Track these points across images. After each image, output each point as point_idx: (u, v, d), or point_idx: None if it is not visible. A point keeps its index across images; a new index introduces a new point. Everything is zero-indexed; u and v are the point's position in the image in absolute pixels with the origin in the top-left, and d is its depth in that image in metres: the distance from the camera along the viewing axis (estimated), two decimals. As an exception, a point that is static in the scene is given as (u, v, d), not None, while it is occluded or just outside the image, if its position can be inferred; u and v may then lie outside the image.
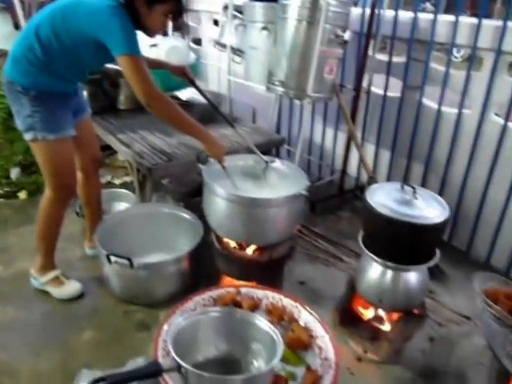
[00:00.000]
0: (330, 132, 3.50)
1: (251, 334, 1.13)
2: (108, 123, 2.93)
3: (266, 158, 2.10)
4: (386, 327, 1.88)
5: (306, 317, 1.31)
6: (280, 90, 2.70)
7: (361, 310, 1.99)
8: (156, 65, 2.32)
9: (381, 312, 1.92)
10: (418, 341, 2.02)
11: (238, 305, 1.33)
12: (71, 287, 2.17)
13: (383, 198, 1.66)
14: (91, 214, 2.39)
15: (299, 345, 1.22)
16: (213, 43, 3.99)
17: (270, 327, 1.09)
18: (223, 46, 3.61)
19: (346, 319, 1.96)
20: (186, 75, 2.24)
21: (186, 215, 2.34)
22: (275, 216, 1.86)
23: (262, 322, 1.11)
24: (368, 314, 1.96)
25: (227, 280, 2.02)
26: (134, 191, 2.77)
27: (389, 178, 3.16)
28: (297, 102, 3.49)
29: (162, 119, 1.84)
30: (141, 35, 1.85)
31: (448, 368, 1.90)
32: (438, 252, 1.73)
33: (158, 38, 3.46)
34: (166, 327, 1.16)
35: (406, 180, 2.91)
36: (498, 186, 2.56)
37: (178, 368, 0.96)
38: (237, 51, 3.47)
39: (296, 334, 1.23)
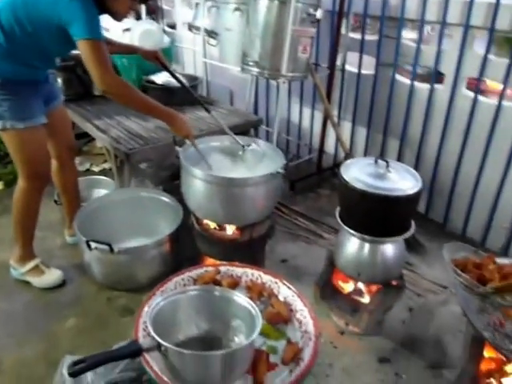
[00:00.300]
0: (306, 111, 3.49)
1: (231, 310, 1.13)
2: (84, 110, 2.86)
3: (242, 141, 2.08)
4: (366, 299, 1.91)
5: (285, 292, 1.31)
6: (255, 70, 2.67)
7: (341, 284, 2.01)
8: (128, 49, 2.26)
9: (360, 285, 1.94)
10: (398, 311, 2.05)
11: (217, 283, 1.32)
12: (52, 276, 2.13)
13: (357, 172, 1.66)
14: (69, 201, 2.35)
15: (279, 319, 1.22)
16: (187, 26, 3.90)
17: (249, 303, 1.09)
18: (197, 28, 3.54)
19: (327, 294, 1.98)
20: (159, 59, 2.19)
21: (166, 199, 2.31)
22: (253, 195, 1.84)
23: (240, 299, 1.11)
24: (348, 287, 1.99)
25: (209, 261, 2.02)
26: (113, 177, 2.72)
27: (365, 155, 3.18)
28: (273, 82, 3.46)
29: (122, 104, 1.81)
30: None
31: (427, 336, 1.95)
32: (413, 224, 1.75)
33: (131, 22, 3.38)
34: (146, 309, 1.15)
35: (382, 156, 2.93)
36: (470, 159, 2.59)
37: (158, 347, 0.95)
38: (211, 33, 3.40)
39: (276, 309, 1.23)
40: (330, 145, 3.41)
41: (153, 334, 0.95)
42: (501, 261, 1.43)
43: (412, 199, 1.58)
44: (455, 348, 1.90)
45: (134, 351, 0.94)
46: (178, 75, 2.25)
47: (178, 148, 1.96)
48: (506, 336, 1.35)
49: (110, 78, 1.67)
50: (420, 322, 1.97)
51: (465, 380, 1.39)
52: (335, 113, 3.19)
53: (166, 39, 3.49)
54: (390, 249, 1.76)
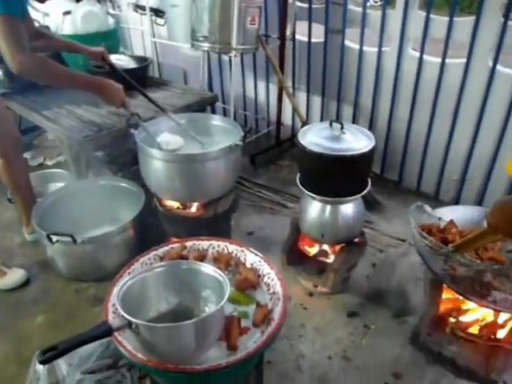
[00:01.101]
0: (261, 85, 3.47)
1: (199, 281, 1.13)
2: (31, 102, 2.71)
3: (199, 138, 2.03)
4: (331, 260, 1.96)
5: (251, 258, 1.33)
6: (205, 45, 2.62)
7: (306, 248, 2.06)
8: (72, 48, 2.15)
9: (325, 246, 2.00)
10: (362, 268, 2.13)
11: (184, 259, 1.32)
12: (15, 275, 2.06)
13: (314, 137, 1.68)
14: (23, 199, 2.24)
15: (247, 285, 1.24)
16: (132, 7, 3.75)
17: (216, 271, 1.10)
18: (143, 8, 3.41)
19: (294, 259, 2.02)
20: (105, 60, 2.11)
21: (126, 185, 2.26)
22: (213, 170, 1.84)
23: (207, 269, 1.12)
24: (313, 250, 2.04)
25: (176, 240, 2.01)
26: (69, 169, 2.63)
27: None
28: (225, 57, 3.41)
29: (43, 82, 1.70)
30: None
31: (391, 287, 2.04)
32: (369, 182, 1.80)
33: (71, 5, 3.21)
34: (114, 290, 1.13)
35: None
36: (420, 118, 2.67)
37: (129, 325, 0.95)
38: (157, 12, 3.30)
39: (243, 276, 1.25)
40: (288, 116, 3.43)
41: (122, 312, 0.94)
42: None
43: (366, 157, 1.62)
44: (417, 295, 2.00)
45: (105, 331, 0.94)
46: (126, 75, 2.17)
47: (132, 131, 1.92)
48: (460, 278, 1.44)
49: (22, 56, 1.54)
50: (383, 275, 2.05)
51: (427, 321, 1.47)
52: (289, 84, 3.19)
53: (111, 21, 3.35)
54: (350, 208, 1.81)
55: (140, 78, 2.66)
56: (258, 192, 2.87)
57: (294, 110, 3.03)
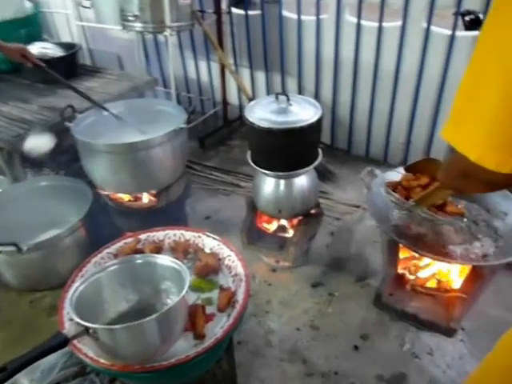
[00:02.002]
0: (202, 64, 3.36)
1: (157, 274, 1.08)
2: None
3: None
4: (291, 234, 1.96)
5: (210, 243, 1.29)
6: (137, 25, 2.48)
7: (265, 225, 2.05)
8: None
9: (283, 222, 1.99)
10: (321, 238, 2.16)
11: (140, 253, 1.26)
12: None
13: (261, 112, 1.64)
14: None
15: (209, 270, 1.21)
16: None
17: (173, 261, 1.05)
18: (65, -10, 3.18)
19: (254, 238, 2.00)
20: (26, 57, 1.94)
21: (70, 183, 2.10)
22: (159, 156, 1.77)
23: (164, 260, 1.07)
24: (272, 227, 2.03)
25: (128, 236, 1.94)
26: (3, 173, 2.44)
27: (268, 98, 3.18)
28: (160, 37, 3.27)
29: None
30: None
31: (350, 253, 2.07)
32: (320, 152, 1.80)
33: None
34: (67, 297, 1.07)
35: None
36: (363, 85, 2.70)
37: (86, 331, 0.89)
38: (82, -7, 3.09)
39: (203, 262, 1.21)
40: (233, 95, 3.36)
41: (76, 319, 0.88)
42: None
43: (315, 126, 1.60)
44: (375, 258, 2.06)
45: (60, 342, 0.87)
46: (53, 73, 2.00)
47: (67, 124, 1.80)
48: (414, 238, 1.48)
49: None
50: (342, 243, 2.09)
51: (388, 282, 1.52)
52: (231, 61, 3.12)
53: (28, 5, 3.08)
54: (303, 180, 1.80)
55: (69, 67, 2.51)
56: (209, 175, 2.81)
57: (239, 88, 2.97)
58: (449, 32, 2.27)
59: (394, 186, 1.54)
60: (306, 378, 1.59)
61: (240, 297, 1.10)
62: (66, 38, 3.69)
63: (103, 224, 1.98)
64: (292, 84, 3.01)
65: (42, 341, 0.89)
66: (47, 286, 1.93)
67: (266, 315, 1.83)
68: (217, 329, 1.06)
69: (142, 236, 1.33)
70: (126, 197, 1.93)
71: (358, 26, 2.51)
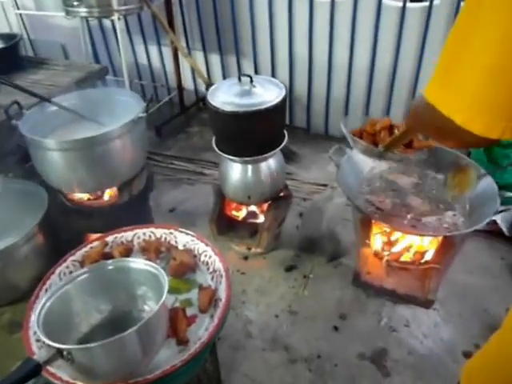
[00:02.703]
0: (153, 49, 3.18)
1: (131, 280, 0.99)
2: None
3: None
4: (261, 219, 1.91)
5: (183, 239, 1.21)
6: (82, 10, 2.29)
7: (234, 213, 1.98)
8: None
9: (252, 207, 1.93)
10: (290, 220, 2.11)
11: (108, 257, 1.16)
12: None
13: (224, 95, 1.55)
14: None
15: (185, 269, 1.13)
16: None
17: (147, 264, 0.96)
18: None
19: (225, 227, 1.93)
20: None
21: (21, 185, 1.88)
22: (118, 150, 1.63)
23: (137, 263, 0.98)
24: (241, 214, 1.96)
25: (94, 237, 1.80)
26: None
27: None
28: (107, 23, 3.06)
29: None
30: None
31: (321, 233, 2.03)
32: (286, 133, 1.74)
33: None
34: (32, 316, 0.95)
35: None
36: (318, 58, 2.63)
37: (59, 353, 0.79)
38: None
39: (178, 260, 1.13)
40: (188, 80, 3.22)
41: (47, 341, 0.78)
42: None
43: (280, 107, 1.54)
44: (346, 235, 2.04)
45: (32, 370, 0.77)
46: None
47: (14, 122, 1.62)
48: (387, 213, 1.47)
49: None
50: (312, 223, 2.04)
51: (363, 259, 1.50)
52: (183, 44, 2.97)
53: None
54: (271, 163, 1.74)
55: (11, 60, 2.28)
56: (171, 164, 2.69)
57: (195, 71, 2.83)
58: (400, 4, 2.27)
59: (358, 134, 1.52)
60: (289, 365, 1.56)
61: (222, 294, 1.03)
62: (3, 29, 3.37)
63: (63, 228, 1.83)
64: (248, 65, 2.91)
65: (4, 361, 0.78)
66: (5, 300, 1.75)
67: (242, 306, 1.78)
68: (200, 331, 0.99)
69: (109, 238, 1.22)
70: (85, 195, 1.79)
71: (311, 1, 2.44)
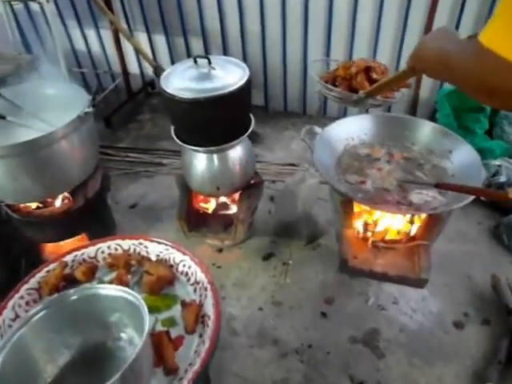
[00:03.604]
0: (91, 34, 2.88)
1: (101, 308, 0.84)
2: None
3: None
4: (235, 210, 1.77)
5: (155, 249, 1.05)
6: (0, -6, 1.98)
7: (203, 206, 1.82)
8: None
9: (222, 199, 1.78)
10: (262, 205, 1.98)
11: (70, 279, 0.99)
12: None
13: (180, 81, 1.37)
14: None
15: (162, 283, 0.98)
16: None
17: (117, 289, 0.81)
18: None
19: (194, 223, 1.78)
20: None
21: None
22: (66, 151, 1.42)
23: (106, 289, 0.82)
24: (211, 206, 1.81)
25: (50, 249, 1.60)
26: None
27: (173, 62, 2.83)
28: (34, 7, 2.72)
29: None
30: None
31: (297, 215, 1.92)
32: (252, 117, 1.59)
33: None
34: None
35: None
36: (272, 33, 2.47)
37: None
38: None
39: (154, 274, 0.97)
40: (133, 64, 2.95)
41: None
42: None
43: (245, 89, 1.38)
44: (322, 216, 1.96)
45: None
46: None
47: None
48: (366, 191, 1.38)
49: None
50: (286, 207, 1.93)
51: (348, 243, 1.40)
52: (124, 26, 2.69)
53: None
54: (239, 151, 1.59)
55: None
56: (125, 157, 2.46)
57: (140, 54, 2.58)
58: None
59: (331, 80, 1.38)
60: (280, 359, 1.46)
61: (209, 310, 0.89)
62: None
63: (10, 244, 1.60)
64: (197, 43, 2.69)
65: None
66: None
67: (223, 302, 1.65)
68: (190, 354, 0.85)
69: (68, 257, 1.04)
70: (32, 204, 1.57)
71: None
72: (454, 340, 1.48)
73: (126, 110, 2.87)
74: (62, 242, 1.67)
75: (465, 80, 0.58)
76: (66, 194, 1.58)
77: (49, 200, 1.57)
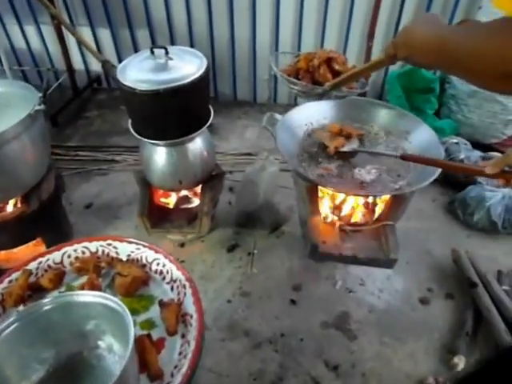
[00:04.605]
0: (30, 30, 2.66)
1: (77, 315, 0.77)
2: None
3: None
4: (196, 203, 1.71)
5: (125, 249, 0.99)
6: None
7: (164, 200, 1.75)
8: None
9: (184, 192, 1.72)
10: (222, 197, 1.94)
11: (38, 287, 0.90)
12: None
13: (138, 73, 1.29)
14: None
15: (137, 284, 0.92)
16: None
17: (93, 294, 0.75)
18: None
19: (156, 219, 1.70)
20: None
21: None
22: (17, 152, 1.29)
23: (79, 296, 0.76)
24: (172, 200, 1.75)
25: (2, 257, 1.47)
26: None
27: (120, 56, 2.69)
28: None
29: None
30: None
31: (258, 204, 1.90)
32: (211, 108, 1.54)
33: None
34: None
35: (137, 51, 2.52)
36: (219, 22, 2.43)
37: None
38: None
39: (127, 275, 0.91)
40: (77, 59, 2.77)
41: None
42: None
43: (205, 79, 1.33)
44: (284, 203, 1.95)
45: None
46: None
47: None
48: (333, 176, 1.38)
49: None
50: (247, 196, 1.90)
51: (316, 229, 1.40)
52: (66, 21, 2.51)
53: None
54: (200, 143, 1.53)
55: None
56: (76, 156, 2.31)
57: (86, 49, 2.42)
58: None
59: (294, 73, 1.35)
60: (254, 350, 1.43)
61: (190, 308, 0.85)
62: None
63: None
64: (143, 35, 2.57)
65: None
66: None
67: (190, 297, 1.60)
68: (174, 357, 0.81)
69: (31, 265, 0.95)
70: (-20, 211, 1.43)
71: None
72: (421, 316, 1.52)
73: (72, 107, 2.70)
74: (15, 249, 1.54)
75: (472, 66, 0.54)
76: (19, 197, 1.45)
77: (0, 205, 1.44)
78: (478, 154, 1.96)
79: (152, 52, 1.32)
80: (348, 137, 1.44)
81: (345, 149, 1.42)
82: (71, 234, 1.76)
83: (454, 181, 1.96)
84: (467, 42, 0.54)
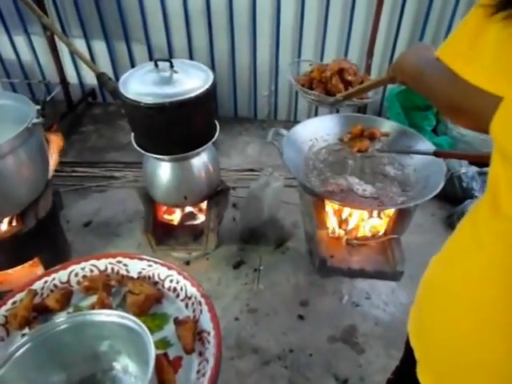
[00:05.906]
0: (20, 41, 2.66)
1: (90, 336, 0.75)
2: None
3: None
4: (201, 219, 1.70)
5: (136, 266, 0.97)
6: None
7: (168, 217, 1.74)
8: None
9: (189, 208, 1.71)
10: (227, 214, 1.94)
11: (43, 309, 0.88)
12: None
13: (140, 85, 1.29)
14: None
15: (150, 302, 0.90)
16: None
17: (107, 313, 0.73)
18: None
19: (161, 235, 1.68)
20: None
21: None
22: (13, 167, 1.27)
23: (93, 315, 0.74)
24: (177, 217, 1.73)
25: (0, 278, 1.44)
26: None
27: (116, 70, 2.70)
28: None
29: None
30: None
31: (263, 220, 1.87)
32: (217, 123, 1.55)
33: None
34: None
35: (134, 66, 2.52)
36: (219, 40, 2.45)
37: None
38: None
39: (140, 293, 0.89)
40: (71, 72, 2.77)
41: None
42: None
43: (211, 94, 1.33)
44: (288, 219, 1.95)
45: None
46: None
47: None
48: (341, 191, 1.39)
49: None
50: (251, 212, 1.90)
51: (320, 245, 1.40)
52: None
53: None
54: (205, 157, 1.53)
55: None
56: (72, 172, 2.29)
57: (82, 61, 2.42)
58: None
59: (308, 83, 1.41)
60: (263, 367, 1.42)
61: (207, 325, 0.84)
62: None
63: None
64: (140, 51, 2.59)
65: None
66: None
67: (197, 316, 1.58)
68: (192, 376, 0.79)
69: (36, 285, 0.92)
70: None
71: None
72: (425, 328, 1.53)
73: (66, 122, 2.68)
74: (11, 270, 1.51)
75: (436, 99, 0.60)
76: (15, 215, 1.43)
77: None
78: (474, 169, 2.01)
79: (156, 65, 1.33)
80: (371, 138, 1.46)
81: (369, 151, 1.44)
82: (69, 253, 1.74)
83: (451, 195, 1.99)
84: (429, 78, 0.60)
